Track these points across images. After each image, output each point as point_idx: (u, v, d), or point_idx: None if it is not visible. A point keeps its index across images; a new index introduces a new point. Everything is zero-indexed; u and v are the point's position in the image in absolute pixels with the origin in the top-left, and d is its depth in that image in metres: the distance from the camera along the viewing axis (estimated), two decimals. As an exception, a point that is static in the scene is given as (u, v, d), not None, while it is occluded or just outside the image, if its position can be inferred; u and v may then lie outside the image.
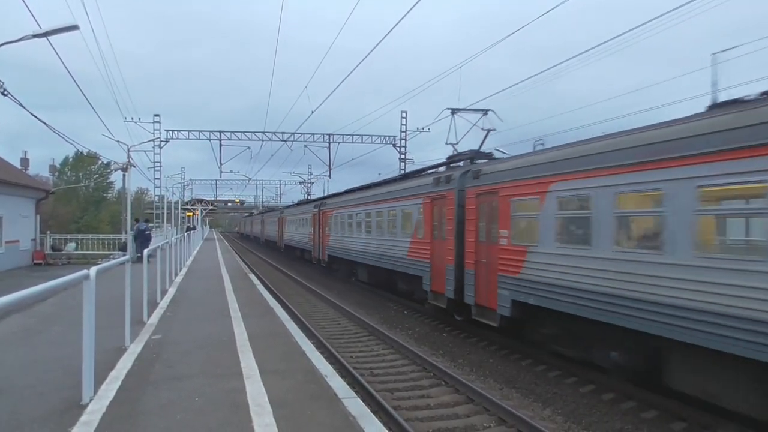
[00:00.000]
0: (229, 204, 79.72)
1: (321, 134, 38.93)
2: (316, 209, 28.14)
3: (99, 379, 5.44)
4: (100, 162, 60.99)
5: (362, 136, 38.67)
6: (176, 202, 51.91)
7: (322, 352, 8.07)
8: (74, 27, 15.36)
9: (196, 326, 8.85)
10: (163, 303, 11.12)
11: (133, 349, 7.06)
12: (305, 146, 39.40)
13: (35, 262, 26.00)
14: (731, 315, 5.69)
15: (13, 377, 5.88)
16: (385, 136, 38.91)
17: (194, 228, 45.71)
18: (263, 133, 37.78)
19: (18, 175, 27.71)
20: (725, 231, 6.45)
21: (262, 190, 75.69)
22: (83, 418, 4.56)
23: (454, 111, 16.68)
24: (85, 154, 60.63)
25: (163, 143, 37.99)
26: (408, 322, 14.27)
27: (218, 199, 76.45)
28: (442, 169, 14.78)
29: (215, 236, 69.00)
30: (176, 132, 37.76)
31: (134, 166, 28.07)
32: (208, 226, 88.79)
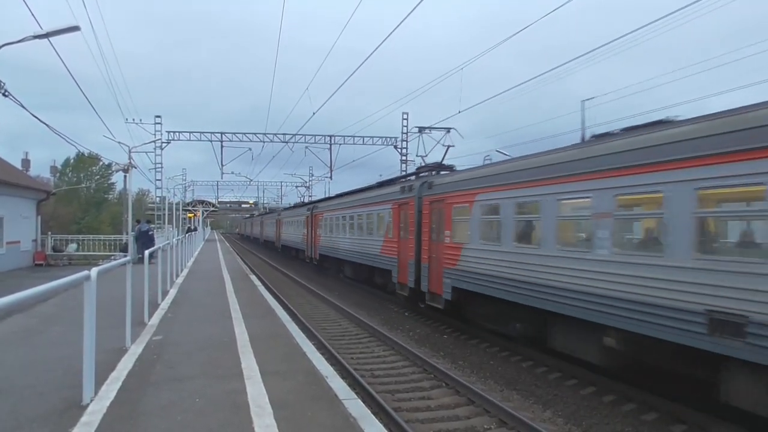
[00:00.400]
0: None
1: (322, 135, 38.96)
2: (309, 212, 30.03)
3: (100, 380, 5.44)
4: (101, 163, 61.00)
5: (363, 137, 38.65)
6: (177, 203, 51.91)
7: (323, 354, 8.08)
8: (75, 28, 15.39)
9: (197, 327, 8.85)
10: (164, 304, 11.12)
11: (134, 350, 7.07)
12: (306, 147, 39.39)
13: (36, 263, 26.02)
14: (584, 292, 7.89)
15: (13, 377, 5.88)
16: (386, 138, 38.93)
17: (195, 229, 45.68)
18: (264, 134, 37.80)
19: (19, 176, 27.76)
20: (575, 231, 8.76)
21: (264, 192, 75.90)
22: (84, 419, 4.56)
23: (421, 129, 20.24)
24: (86, 155, 60.65)
25: (164, 144, 37.95)
26: (409, 323, 14.26)
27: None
28: (412, 178, 17.05)
29: (216, 237, 69.03)
30: (177, 133, 37.79)
31: (135, 167, 28.08)
32: (209, 228, 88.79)
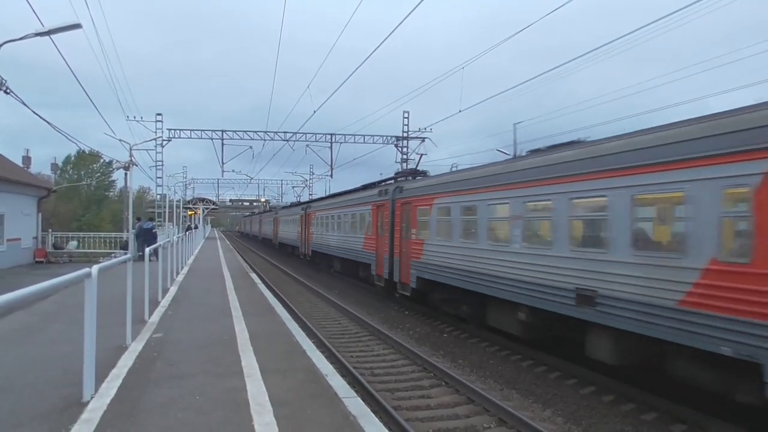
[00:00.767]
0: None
1: (323, 134, 38.87)
2: (303, 211, 32.15)
3: (100, 377, 5.45)
4: (102, 160, 60.97)
5: (364, 136, 38.53)
6: (178, 201, 51.88)
7: (322, 352, 8.08)
8: (77, 26, 15.36)
9: (197, 325, 8.86)
10: (165, 302, 11.13)
11: (135, 348, 7.07)
12: (307, 146, 39.35)
13: (37, 260, 26.05)
14: (505, 278, 9.99)
15: (13, 375, 5.89)
16: (387, 136, 38.87)
17: (195, 227, 45.66)
18: (265, 132, 37.73)
19: (20, 173, 27.77)
20: (500, 230, 10.65)
21: (264, 190, 75.80)
22: (84, 416, 4.56)
23: (398, 138, 24.48)
24: (87, 152, 60.62)
25: (165, 142, 37.92)
26: (409, 322, 14.28)
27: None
28: (391, 182, 18.86)
29: (216, 236, 69.00)
30: (178, 131, 37.75)
31: (136, 165, 28.05)
32: (209, 225, 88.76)
